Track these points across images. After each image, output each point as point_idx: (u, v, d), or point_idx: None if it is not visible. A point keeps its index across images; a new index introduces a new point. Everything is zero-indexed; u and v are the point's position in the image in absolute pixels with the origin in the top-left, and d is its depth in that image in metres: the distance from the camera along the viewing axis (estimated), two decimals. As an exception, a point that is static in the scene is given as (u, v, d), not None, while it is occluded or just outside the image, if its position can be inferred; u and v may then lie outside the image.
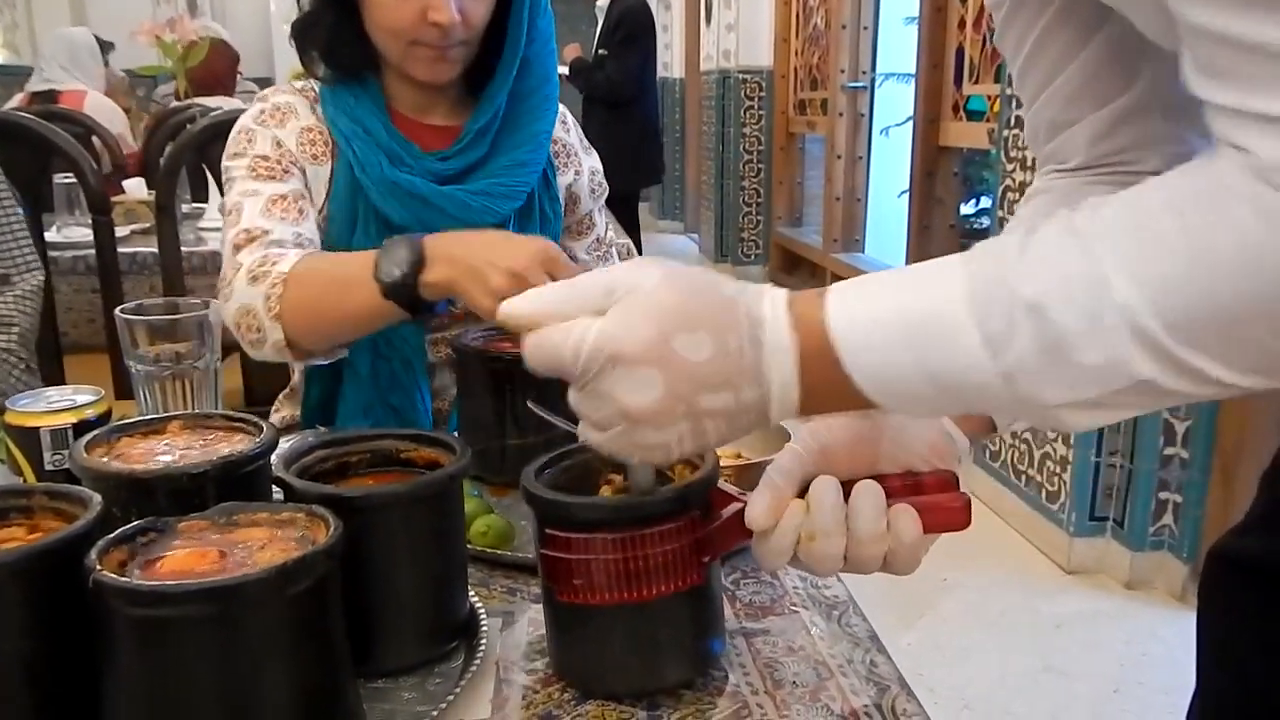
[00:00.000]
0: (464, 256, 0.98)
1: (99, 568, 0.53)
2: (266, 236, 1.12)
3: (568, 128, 1.37)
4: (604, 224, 1.43)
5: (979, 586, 2.51)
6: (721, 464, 0.70)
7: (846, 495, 0.62)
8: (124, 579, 0.53)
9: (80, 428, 0.86)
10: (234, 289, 1.08)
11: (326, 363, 1.15)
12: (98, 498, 0.61)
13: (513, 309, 0.57)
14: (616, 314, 0.54)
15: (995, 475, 2.94)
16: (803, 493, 0.63)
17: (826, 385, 0.55)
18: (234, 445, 0.72)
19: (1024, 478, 2.81)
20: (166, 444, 0.73)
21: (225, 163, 1.21)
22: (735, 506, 0.65)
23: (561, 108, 1.36)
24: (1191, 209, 0.48)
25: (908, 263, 2.60)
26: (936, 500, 0.63)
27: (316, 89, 1.25)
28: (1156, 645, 2.27)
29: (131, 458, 0.71)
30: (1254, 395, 0.52)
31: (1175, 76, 0.51)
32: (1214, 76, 0.47)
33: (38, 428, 0.86)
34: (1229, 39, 0.45)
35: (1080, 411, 0.52)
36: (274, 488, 0.70)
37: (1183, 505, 2.45)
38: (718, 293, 0.56)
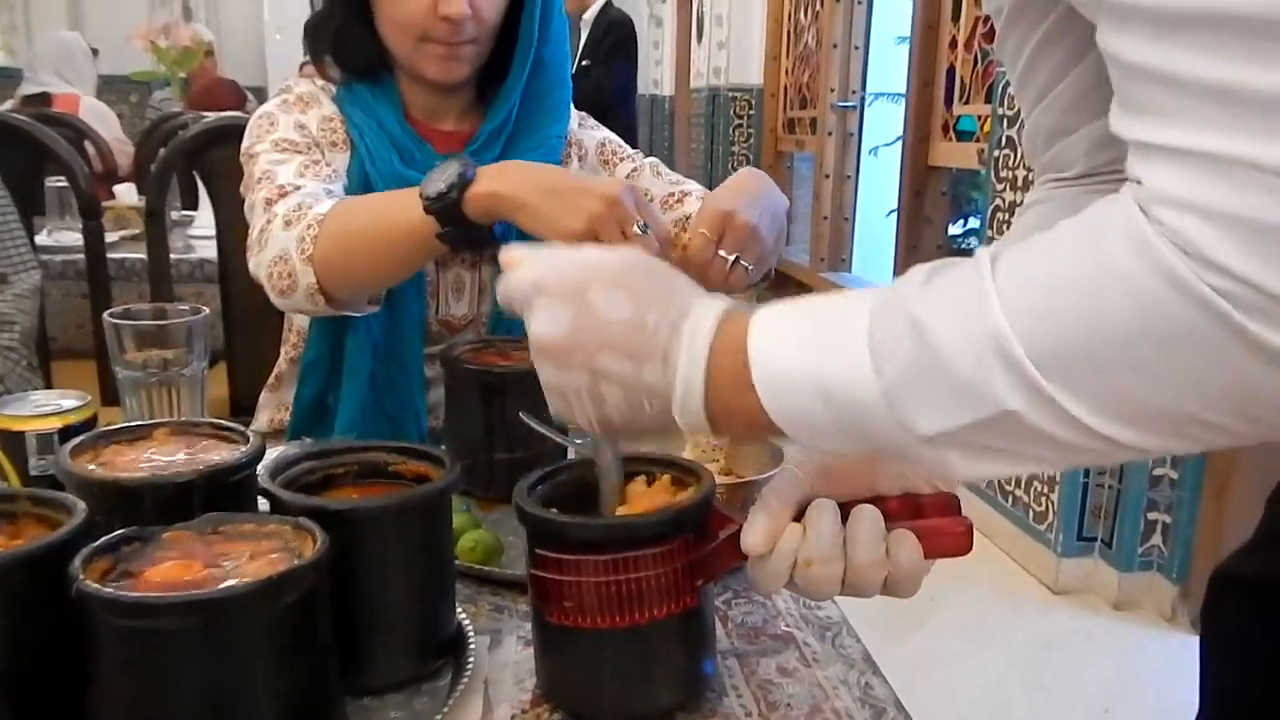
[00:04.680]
0: (528, 180, 0.97)
1: (82, 577, 0.52)
2: (300, 191, 1.10)
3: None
4: (635, 167, 1.30)
5: (967, 605, 2.51)
6: (714, 482, 0.69)
7: (845, 517, 0.61)
8: (108, 589, 0.52)
9: (66, 433, 0.84)
10: (269, 237, 1.05)
11: (359, 314, 1.12)
12: (82, 505, 0.60)
13: (507, 251, 0.64)
14: (562, 262, 0.60)
15: (982, 495, 2.94)
16: (800, 515, 0.61)
17: (733, 390, 0.55)
18: (221, 454, 0.71)
19: (1010, 498, 2.81)
20: (153, 451, 0.72)
21: (245, 146, 1.20)
22: (730, 529, 0.64)
23: None
24: (1074, 236, 0.47)
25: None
26: (937, 525, 0.61)
27: (335, 86, 1.25)
28: (1147, 665, 2.27)
29: (117, 465, 0.70)
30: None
31: None
32: (1129, 112, 0.46)
33: (23, 432, 0.85)
34: (1145, 71, 0.44)
35: (965, 456, 0.50)
36: (260, 498, 0.69)
37: (1172, 526, 2.45)
38: (666, 278, 0.60)
